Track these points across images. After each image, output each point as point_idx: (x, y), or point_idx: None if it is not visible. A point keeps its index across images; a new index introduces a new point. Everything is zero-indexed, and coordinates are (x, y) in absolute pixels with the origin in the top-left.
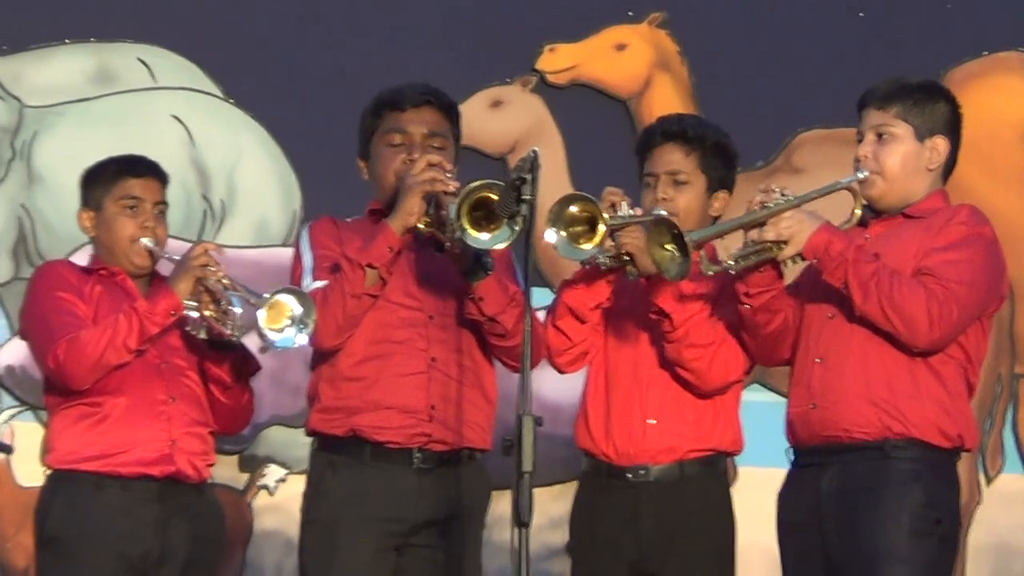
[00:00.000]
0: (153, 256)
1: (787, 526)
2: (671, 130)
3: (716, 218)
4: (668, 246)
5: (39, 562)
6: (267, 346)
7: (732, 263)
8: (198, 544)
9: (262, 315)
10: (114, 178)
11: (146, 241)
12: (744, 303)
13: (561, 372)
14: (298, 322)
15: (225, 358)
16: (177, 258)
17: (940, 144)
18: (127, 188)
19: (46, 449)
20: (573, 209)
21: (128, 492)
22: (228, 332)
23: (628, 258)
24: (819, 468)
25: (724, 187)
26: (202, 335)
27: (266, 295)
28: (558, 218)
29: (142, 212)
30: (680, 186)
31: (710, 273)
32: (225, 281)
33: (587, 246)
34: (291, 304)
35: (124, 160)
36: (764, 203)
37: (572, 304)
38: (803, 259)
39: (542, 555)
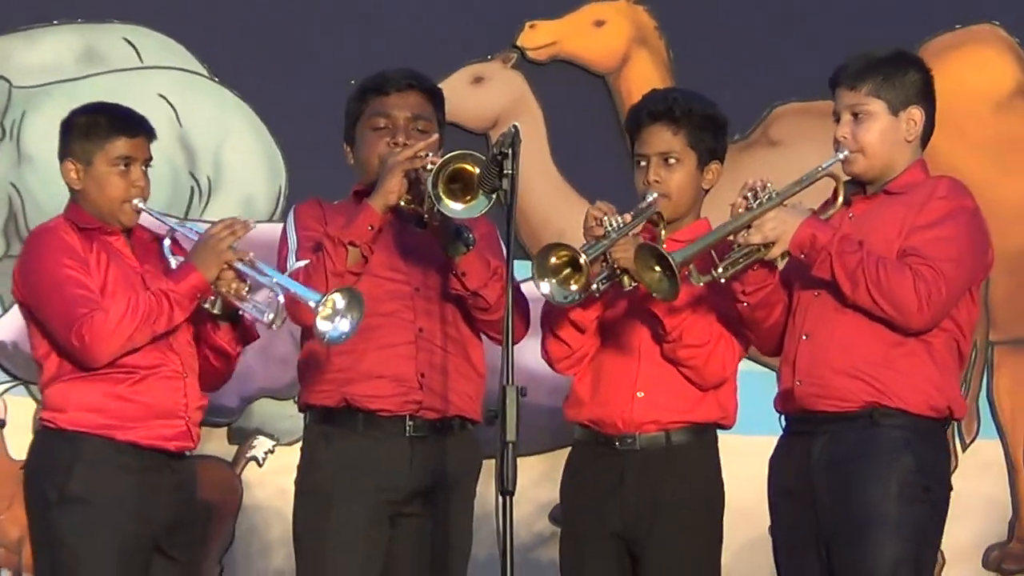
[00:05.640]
0: (139, 214)
1: (779, 492)
2: (658, 110)
3: (708, 191)
4: (656, 267)
5: (52, 518)
6: (320, 339)
7: (722, 271)
8: (189, 511)
9: (318, 311)
10: (107, 136)
11: (137, 202)
12: (742, 301)
13: (561, 374)
14: (341, 314)
15: (229, 329)
16: (156, 213)
17: (915, 114)
18: (120, 148)
19: (56, 409)
20: (553, 259)
21: (143, 460)
22: (259, 315)
23: (622, 271)
24: (810, 436)
25: (715, 158)
26: (216, 309)
27: (316, 294)
28: (542, 270)
29: (133, 171)
30: (671, 166)
31: (701, 284)
32: (250, 259)
33: (575, 286)
34: (336, 299)
35: (117, 117)
36: (748, 206)
37: (575, 318)
38: (791, 255)
39: (534, 522)
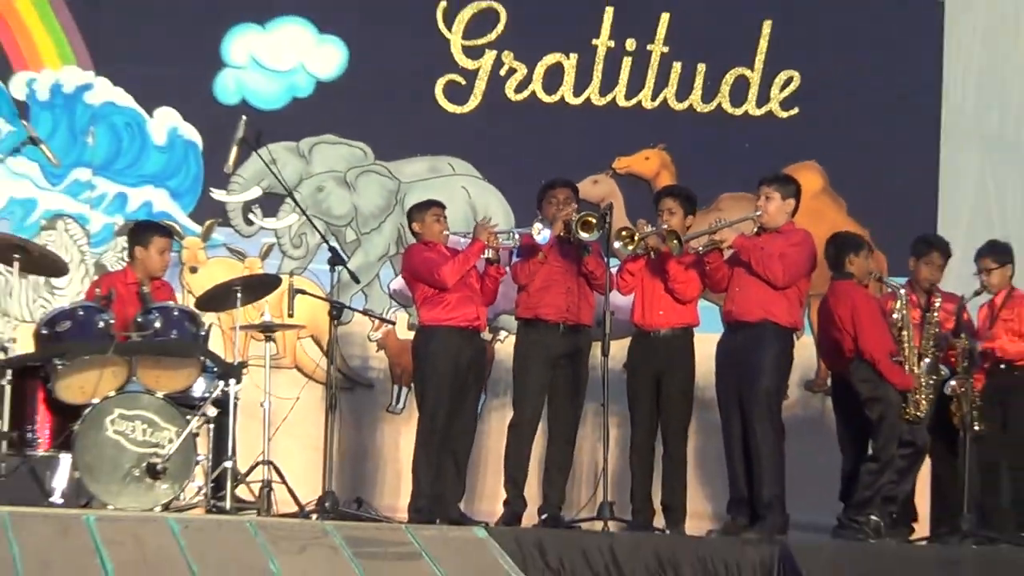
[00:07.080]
0: (447, 237)
1: (721, 358)
2: (670, 191)
3: (689, 227)
4: (675, 242)
5: (419, 364)
6: (540, 243)
7: (700, 249)
8: (481, 364)
9: (534, 233)
10: (428, 206)
11: (447, 233)
12: (706, 267)
13: (623, 295)
14: (542, 229)
15: (495, 265)
16: (454, 234)
17: (791, 202)
18: (435, 210)
19: (422, 318)
20: (623, 233)
21: (461, 335)
22: (509, 244)
23: (651, 249)
24: (736, 332)
25: (691, 214)
26: (490, 255)
27: (524, 228)
28: (617, 236)
29: (442, 220)
30: (672, 215)
31: (691, 252)
32: (499, 229)
33: (631, 247)
34: (537, 224)
35: (426, 200)
36: (718, 222)
37: (630, 268)
38: (732, 248)
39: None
